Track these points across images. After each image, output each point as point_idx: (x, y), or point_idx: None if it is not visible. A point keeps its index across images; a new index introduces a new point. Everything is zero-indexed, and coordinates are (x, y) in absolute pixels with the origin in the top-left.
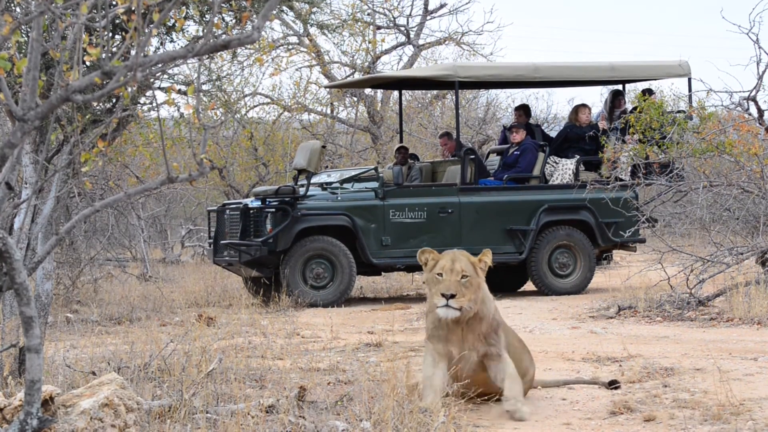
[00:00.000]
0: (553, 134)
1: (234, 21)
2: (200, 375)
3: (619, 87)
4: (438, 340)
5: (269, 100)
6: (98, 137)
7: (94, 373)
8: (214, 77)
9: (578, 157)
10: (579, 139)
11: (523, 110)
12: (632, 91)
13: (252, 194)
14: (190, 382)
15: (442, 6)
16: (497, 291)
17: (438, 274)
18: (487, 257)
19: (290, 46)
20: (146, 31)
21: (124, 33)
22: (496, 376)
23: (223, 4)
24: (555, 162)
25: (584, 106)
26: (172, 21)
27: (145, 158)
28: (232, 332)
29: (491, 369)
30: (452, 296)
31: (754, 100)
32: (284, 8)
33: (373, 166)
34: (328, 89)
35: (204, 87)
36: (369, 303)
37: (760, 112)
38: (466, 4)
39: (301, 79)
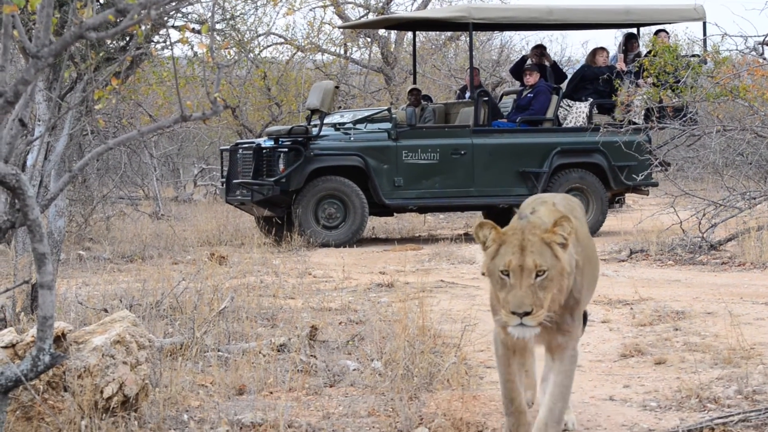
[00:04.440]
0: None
1: None
2: (212, 313)
3: (633, 30)
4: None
5: (283, 40)
6: (112, 75)
7: (106, 311)
8: (227, 16)
9: (592, 100)
10: (594, 80)
11: (540, 51)
12: (646, 34)
13: (265, 134)
14: (201, 321)
15: None
16: None
17: (503, 273)
18: (565, 225)
19: None
20: None
21: None
22: (548, 371)
23: None
24: (568, 105)
25: (602, 49)
26: None
27: (158, 97)
28: (244, 271)
29: (550, 359)
30: (527, 313)
31: None
32: None
33: (386, 107)
34: (341, 30)
35: (218, 26)
36: (381, 244)
37: None
38: None
39: (315, 20)
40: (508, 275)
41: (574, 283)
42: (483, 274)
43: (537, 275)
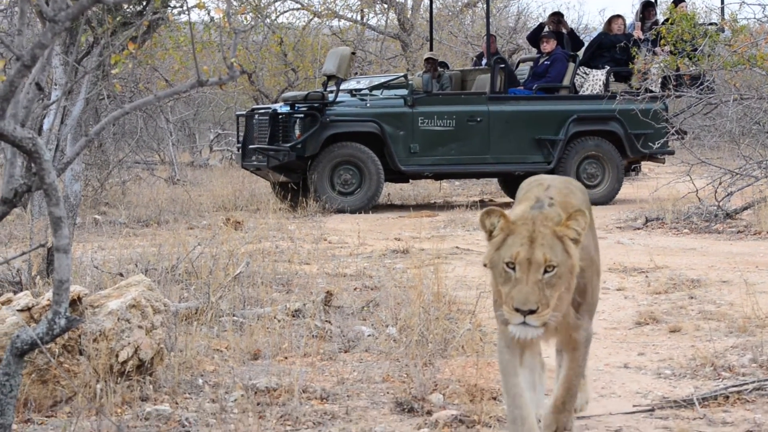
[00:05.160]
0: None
1: None
2: (227, 278)
3: None
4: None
5: (299, 6)
6: (128, 39)
7: (121, 275)
8: None
9: (608, 67)
10: (611, 48)
11: (557, 18)
12: (664, 2)
13: (281, 99)
14: (217, 285)
15: None
16: None
17: (508, 265)
18: (579, 220)
19: None
20: None
21: None
22: (559, 369)
23: None
24: (585, 73)
25: (618, 16)
26: None
27: (174, 61)
28: (260, 236)
29: (562, 355)
30: (531, 312)
31: None
32: None
33: (402, 74)
34: None
35: None
36: (396, 210)
37: None
38: None
39: None
40: (513, 268)
41: (588, 278)
42: (485, 265)
43: (546, 271)
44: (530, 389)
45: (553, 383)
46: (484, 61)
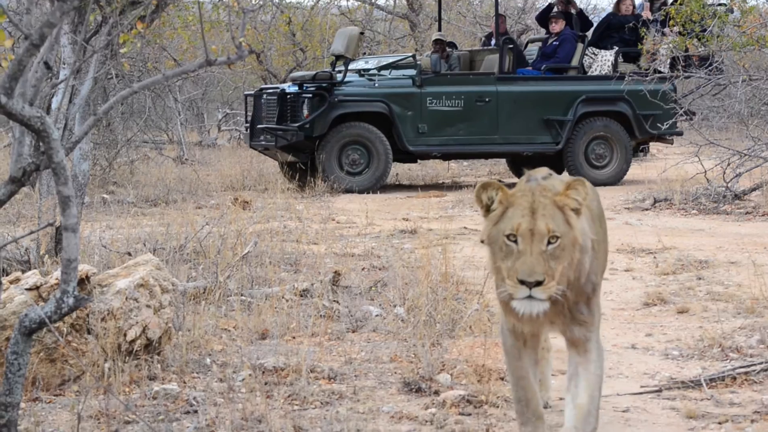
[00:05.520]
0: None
1: None
2: (235, 258)
3: None
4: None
5: None
6: (137, 19)
7: (129, 254)
8: None
9: (617, 48)
10: (620, 28)
11: None
12: None
13: (289, 79)
14: (225, 265)
15: None
16: None
17: (509, 238)
18: (579, 189)
19: None
20: None
21: None
22: (573, 368)
23: None
24: (594, 53)
25: None
26: None
27: (183, 41)
28: (268, 216)
29: (574, 353)
30: (538, 283)
31: None
32: None
33: (410, 54)
34: None
35: None
36: (404, 190)
37: None
38: None
39: None
40: (515, 241)
41: (592, 264)
42: (482, 241)
43: (549, 242)
44: (535, 373)
45: (557, 366)
46: (493, 41)
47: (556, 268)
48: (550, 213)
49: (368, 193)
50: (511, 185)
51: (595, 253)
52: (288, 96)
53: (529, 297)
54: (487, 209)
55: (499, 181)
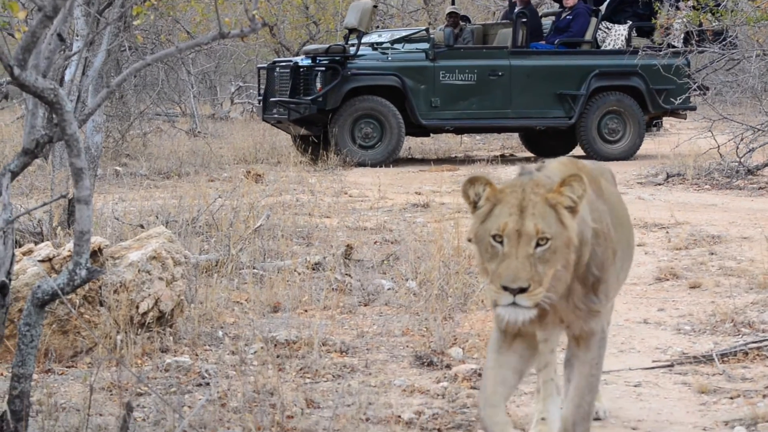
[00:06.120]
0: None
1: None
2: (248, 231)
3: None
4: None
5: None
6: None
7: (142, 226)
8: None
9: (631, 22)
10: (634, 3)
11: None
12: None
13: (302, 52)
14: (237, 238)
15: None
16: (547, 156)
17: (495, 238)
18: (575, 186)
19: None
20: None
21: None
22: (570, 356)
23: None
24: (607, 27)
25: None
26: None
27: (196, 13)
28: (280, 189)
29: (574, 344)
30: (522, 290)
31: None
32: None
33: (424, 27)
34: None
35: None
36: (417, 164)
37: None
38: None
39: None
40: (501, 242)
41: (593, 256)
42: (469, 240)
43: (538, 244)
44: (516, 372)
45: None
46: (518, 8)
47: (545, 273)
48: (541, 212)
49: (381, 166)
50: (525, 159)
51: (598, 241)
52: (301, 69)
53: (514, 304)
54: (475, 205)
55: (512, 155)
